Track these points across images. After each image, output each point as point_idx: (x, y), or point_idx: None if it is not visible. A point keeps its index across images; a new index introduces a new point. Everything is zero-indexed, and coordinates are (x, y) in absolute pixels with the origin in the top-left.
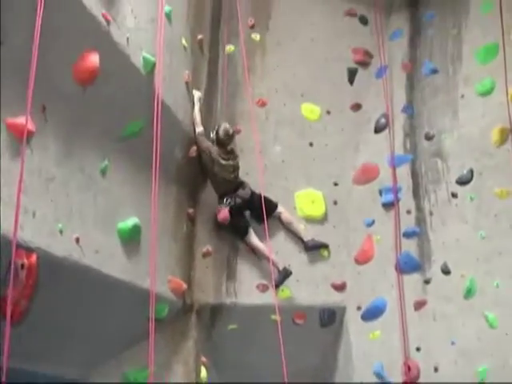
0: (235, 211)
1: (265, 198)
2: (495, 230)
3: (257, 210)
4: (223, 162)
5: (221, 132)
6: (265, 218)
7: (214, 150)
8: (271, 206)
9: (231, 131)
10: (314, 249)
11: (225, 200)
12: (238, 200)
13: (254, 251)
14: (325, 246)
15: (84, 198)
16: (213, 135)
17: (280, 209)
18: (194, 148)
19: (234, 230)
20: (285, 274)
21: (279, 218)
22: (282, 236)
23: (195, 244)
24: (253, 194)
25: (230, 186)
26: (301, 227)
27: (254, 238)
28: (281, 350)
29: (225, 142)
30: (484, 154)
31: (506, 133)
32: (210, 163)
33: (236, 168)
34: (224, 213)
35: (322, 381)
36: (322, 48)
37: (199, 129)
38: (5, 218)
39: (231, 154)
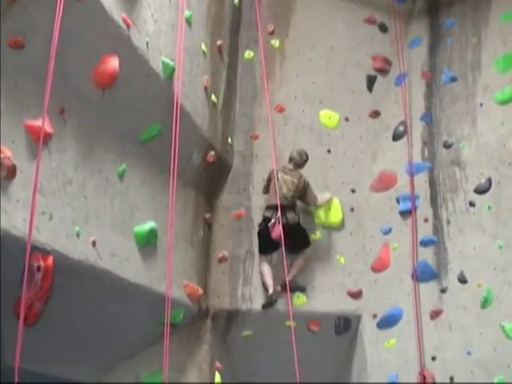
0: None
1: (301, 234)
2: None
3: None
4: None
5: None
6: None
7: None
8: (300, 244)
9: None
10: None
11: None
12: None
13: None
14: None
15: (101, 201)
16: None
17: (304, 254)
18: (212, 153)
19: (260, 241)
20: (269, 302)
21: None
22: None
23: (211, 249)
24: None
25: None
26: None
27: (264, 264)
28: (295, 357)
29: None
30: (502, 162)
31: None
32: None
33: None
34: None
35: None
36: (342, 55)
37: None
38: (22, 220)
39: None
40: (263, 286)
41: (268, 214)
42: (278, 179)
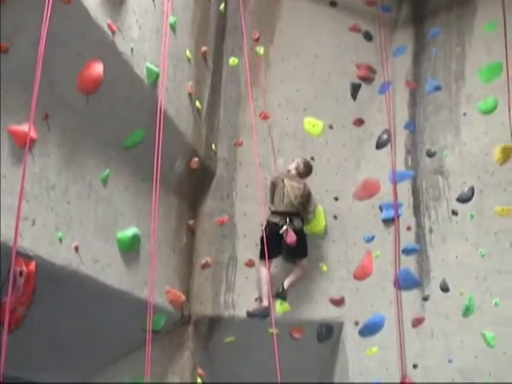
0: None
1: (304, 242)
2: (495, 249)
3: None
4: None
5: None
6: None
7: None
8: (303, 252)
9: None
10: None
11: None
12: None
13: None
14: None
15: (84, 207)
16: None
17: (305, 261)
18: (196, 160)
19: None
20: (262, 313)
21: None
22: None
23: (194, 255)
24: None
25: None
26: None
27: (264, 270)
28: (277, 364)
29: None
30: (485, 171)
31: (508, 151)
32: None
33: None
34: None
35: None
36: (326, 63)
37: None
38: (5, 225)
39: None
40: (259, 291)
41: (275, 219)
42: (284, 185)
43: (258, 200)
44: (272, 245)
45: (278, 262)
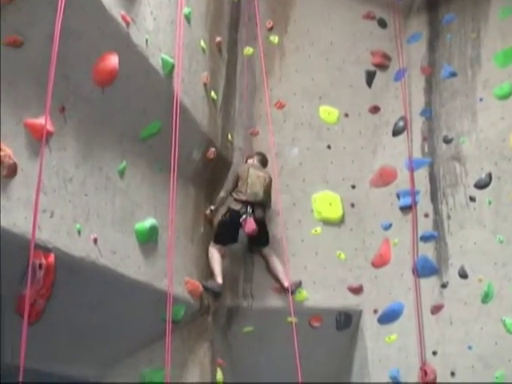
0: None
1: (266, 231)
2: None
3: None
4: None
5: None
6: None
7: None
8: (265, 240)
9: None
10: (297, 288)
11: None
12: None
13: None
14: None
15: (102, 199)
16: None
17: (268, 249)
18: (212, 150)
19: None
20: (215, 288)
21: (263, 254)
22: (298, 239)
23: None
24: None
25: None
26: (280, 272)
27: (216, 252)
28: (296, 353)
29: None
30: (503, 157)
31: None
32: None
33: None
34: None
35: None
36: (341, 51)
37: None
38: (23, 218)
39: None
40: (211, 272)
41: (237, 207)
42: (248, 175)
43: (274, 188)
44: (229, 232)
45: (228, 250)
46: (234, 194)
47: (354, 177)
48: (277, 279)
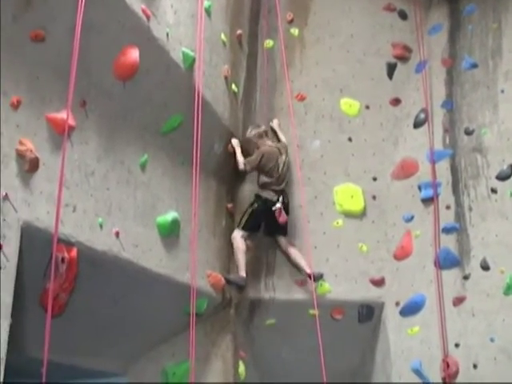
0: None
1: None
2: None
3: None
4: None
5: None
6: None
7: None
8: (286, 230)
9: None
10: (319, 278)
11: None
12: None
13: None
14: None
15: (124, 193)
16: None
17: (285, 239)
18: (236, 141)
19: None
20: (238, 281)
21: (279, 243)
22: (320, 231)
23: None
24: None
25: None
26: (301, 259)
27: (242, 241)
28: (319, 345)
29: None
30: None
31: None
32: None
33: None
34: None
35: (359, 376)
36: (361, 43)
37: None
38: (46, 212)
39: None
40: (237, 262)
41: (269, 196)
42: (276, 159)
43: (296, 181)
44: (259, 220)
45: (252, 243)
46: (265, 178)
47: (376, 169)
48: (298, 267)
